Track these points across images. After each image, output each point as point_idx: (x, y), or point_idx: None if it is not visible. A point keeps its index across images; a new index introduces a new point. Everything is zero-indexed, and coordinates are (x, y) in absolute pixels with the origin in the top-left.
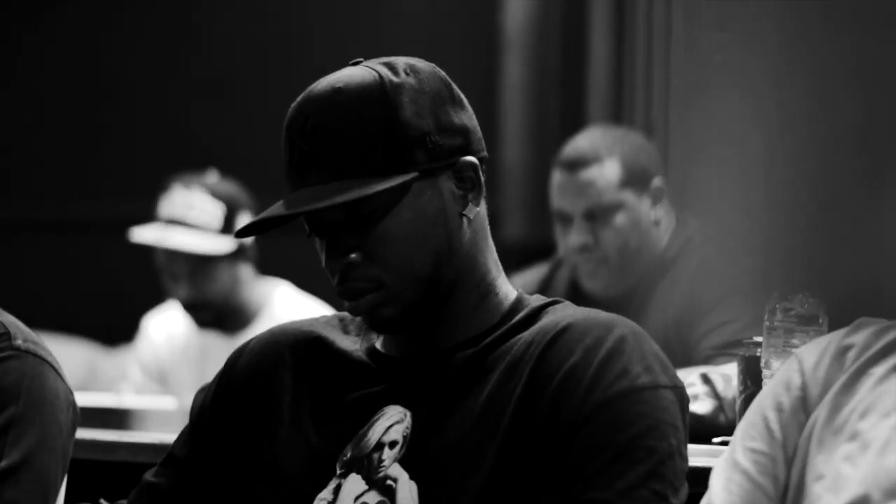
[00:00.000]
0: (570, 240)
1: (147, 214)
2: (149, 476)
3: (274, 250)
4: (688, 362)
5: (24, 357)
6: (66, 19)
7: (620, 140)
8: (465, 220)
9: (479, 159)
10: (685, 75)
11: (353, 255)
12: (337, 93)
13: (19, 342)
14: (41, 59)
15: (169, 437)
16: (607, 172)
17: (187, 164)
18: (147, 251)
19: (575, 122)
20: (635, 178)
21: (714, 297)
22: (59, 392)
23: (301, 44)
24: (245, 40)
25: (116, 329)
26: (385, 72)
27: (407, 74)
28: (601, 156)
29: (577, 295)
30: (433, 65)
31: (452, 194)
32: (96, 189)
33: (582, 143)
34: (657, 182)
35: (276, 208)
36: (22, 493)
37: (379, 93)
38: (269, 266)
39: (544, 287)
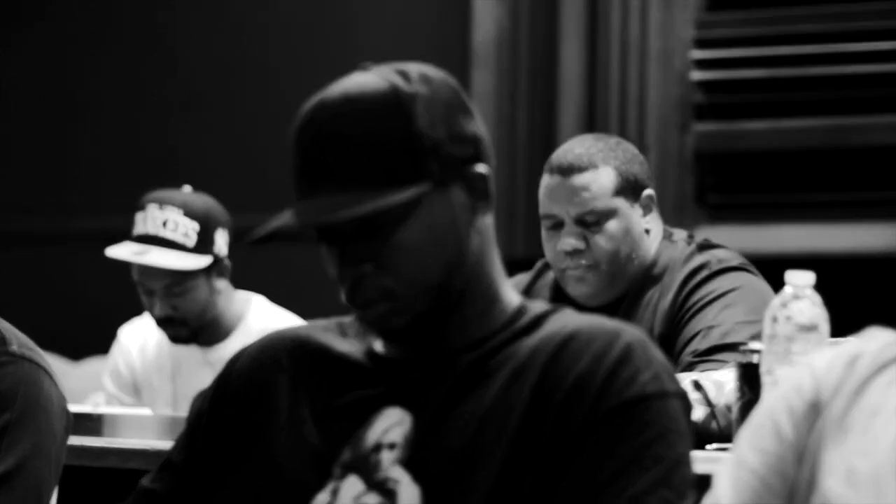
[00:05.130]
0: (561, 243)
1: (114, 229)
2: (145, 482)
3: (245, 264)
4: None
5: (20, 363)
6: (39, 35)
7: (614, 149)
8: (474, 229)
9: (488, 168)
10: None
11: (365, 265)
12: (350, 101)
13: (14, 347)
14: (16, 75)
15: (158, 443)
16: (602, 179)
17: (157, 179)
18: (114, 265)
19: (545, 136)
20: (629, 187)
21: (696, 306)
22: (53, 398)
23: (273, 60)
24: (217, 57)
25: (81, 343)
26: (398, 80)
27: (420, 83)
28: (596, 162)
29: (560, 303)
30: (444, 72)
31: (463, 204)
32: (61, 203)
33: (577, 148)
34: (648, 192)
35: (290, 217)
36: (16, 499)
37: (393, 102)
38: (240, 279)
39: (525, 294)
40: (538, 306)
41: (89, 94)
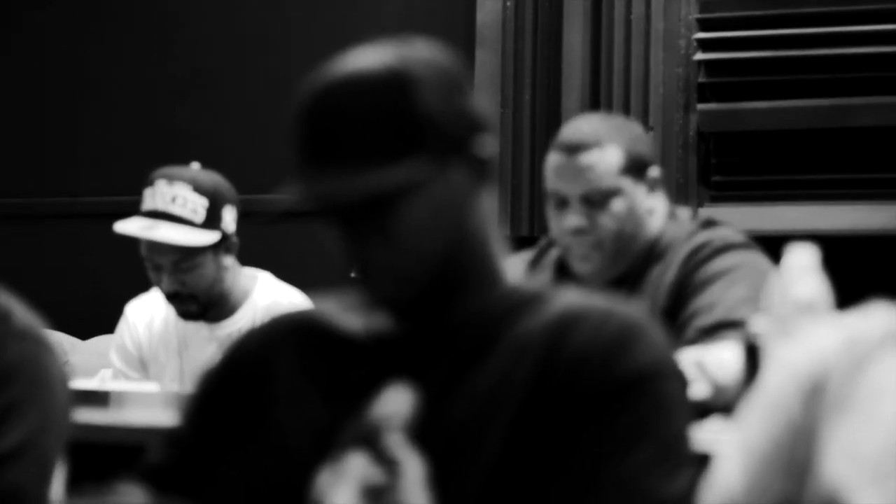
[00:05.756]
0: (566, 222)
1: (122, 206)
2: (151, 456)
3: (247, 240)
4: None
5: (23, 339)
6: (46, 13)
7: (620, 128)
8: (475, 207)
9: (489, 147)
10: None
11: (370, 240)
12: (353, 77)
13: (17, 324)
14: (23, 53)
15: (165, 419)
16: (608, 158)
17: (164, 158)
18: (121, 243)
19: (549, 117)
20: (634, 166)
21: (699, 283)
22: (56, 374)
23: (278, 39)
24: (224, 35)
25: (89, 320)
26: (400, 57)
27: (422, 61)
28: (602, 141)
29: (564, 280)
30: (445, 49)
31: (464, 182)
32: (69, 181)
33: (583, 127)
34: (653, 171)
35: (298, 196)
36: (23, 474)
37: (395, 79)
38: (246, 255)
39: (529, 271)
40: (538, 285)
41: (97, 71)
